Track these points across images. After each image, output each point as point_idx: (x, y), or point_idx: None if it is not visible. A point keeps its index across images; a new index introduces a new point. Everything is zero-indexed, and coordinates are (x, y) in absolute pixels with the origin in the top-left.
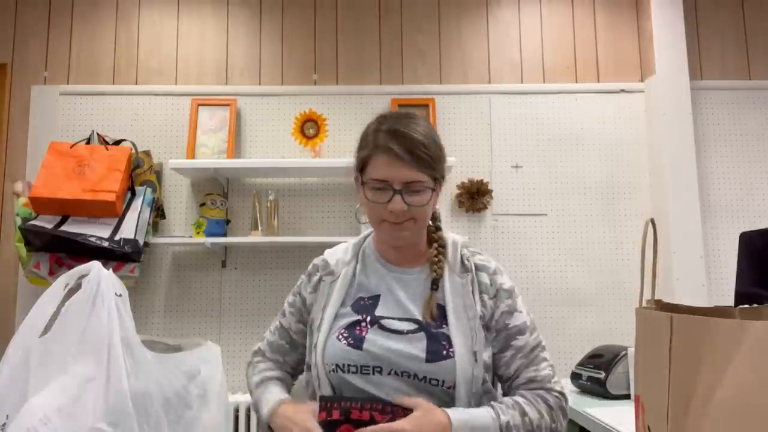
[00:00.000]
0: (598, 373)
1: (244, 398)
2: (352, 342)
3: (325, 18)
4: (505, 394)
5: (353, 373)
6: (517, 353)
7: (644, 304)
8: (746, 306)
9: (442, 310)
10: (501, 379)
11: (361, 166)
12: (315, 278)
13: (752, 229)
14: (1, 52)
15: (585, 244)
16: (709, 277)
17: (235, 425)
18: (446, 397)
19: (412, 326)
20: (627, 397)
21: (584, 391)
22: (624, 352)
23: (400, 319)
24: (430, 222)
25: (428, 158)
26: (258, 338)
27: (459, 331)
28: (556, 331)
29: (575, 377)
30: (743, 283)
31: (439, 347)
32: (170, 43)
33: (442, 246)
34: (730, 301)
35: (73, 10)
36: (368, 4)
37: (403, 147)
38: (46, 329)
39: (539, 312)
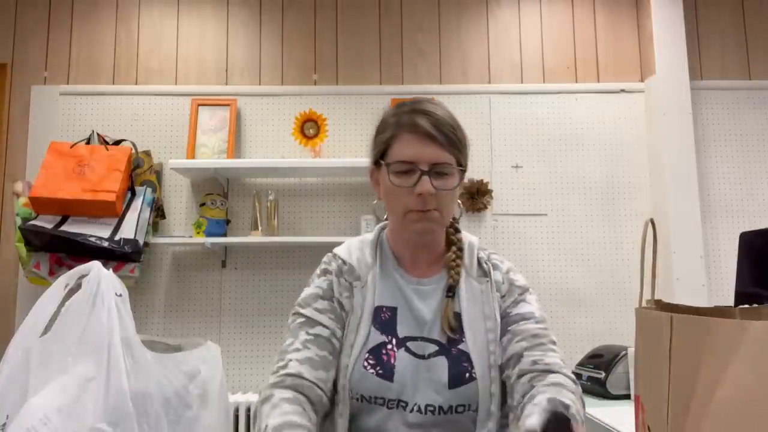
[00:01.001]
0: (598, 373)
1: (244, 398)
2: (381, 372)
3: (325, 18)
4: (504, 388)
5: (379, 405)
6: (514, 336)
7: (644, 304)
8: (746, 306)
9: (459, 318)
10: (500, 369)
11: (382, 152)
12: (345, 282)
13: (752, 229)
14: (1, 52)
15: (585, 244)
16: (709, 277)
17: (235, 425)
18: (469, 421)
19: (432, 348)
20: (627, 397)
21: (584, 391)
22: (624, 352)
23: (422, 339)
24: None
25: (455, 138)
26: (258, 338)
27: (477, 349)
28: (556, 331)
29: (575, 377)
30: (743, 283)
31: (460, 369)
32: (170, 43)
33: (461, 249)
34: (730, 301)
35: (73, 10)
36: (368, 3)
37: (430, 123)
38: (46, 329)
39: None
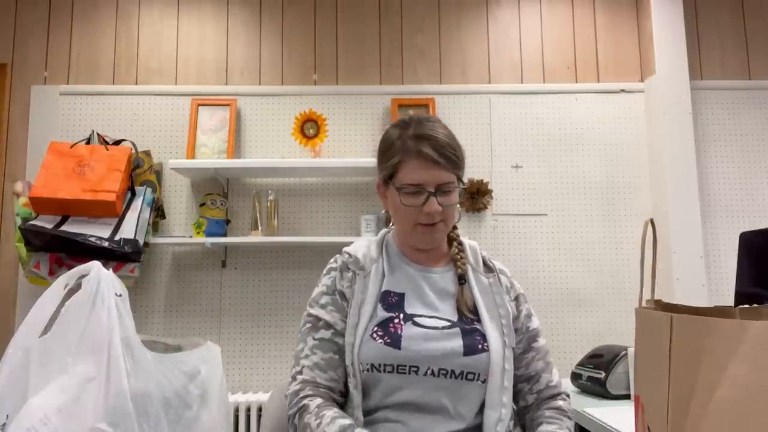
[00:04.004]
0: (598, 373)
1: (244, 398)
2: (389, 341)
3: (325, 18)
4: (518, 393)
5: (389, 372)
6: (536, 354)
7: (644, 304)
8: (746, 306)
9: (474, 306)
10: (519, 378)
11: (391, 174)
12: (348, 274)
13: (752, 229)
14: (1, 52)
15: (585, 244)
16: (709, 277)
17: (235, 425)
18: (478, 394)
19: (445, 323)
20: (627, 397)
21: (584, 391)
22: (624, 352)
23: (430, 317)
24: None
25: (456, 159)
26: (258, 338)
27: (492, 327)
28: (556, 331)
29: (575, 377)
30: (743, 283)
31: (474, 341)
32: (170, 43)
33: (461, 244)
34: (730, 301)
35: (73, 10)
36: (368, 4)
37: (433, 149)
38: (46, 329)
39: (539, 312)
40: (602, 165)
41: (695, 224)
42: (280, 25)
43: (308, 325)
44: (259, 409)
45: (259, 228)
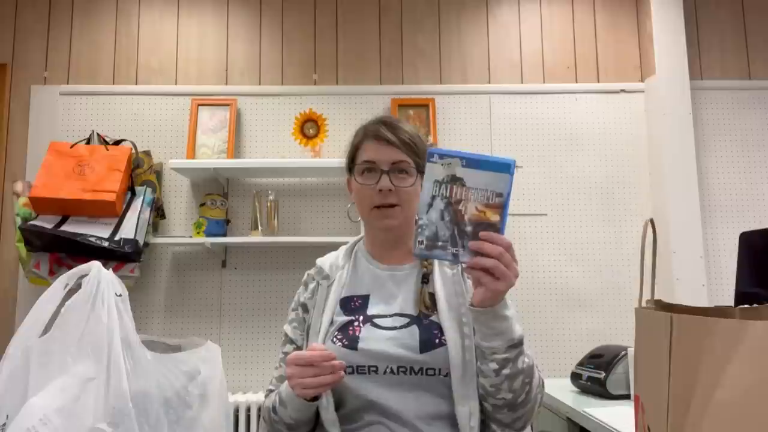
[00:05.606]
0: (598, 373)
1: (244, 398)
2: (346, 343)
3: (325, 18)
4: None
5: (349, 373)
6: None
7: (644, 304)
8: (746, 306)
9: (433, 298)
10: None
11: (352, 157)
12: (312, 285)
13: (752, 229)
14: (1, 52)
15: (585, 244)
16: (709, 277)
17: (235, 425)
18: (443, 387)
19: (403, 321)
20: (627, 397)
21: (584, 391)
22: (624, 352)
23: (391, 316)
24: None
25: (412, 143)
26: (258, 338)
27: (450, 319)
28: (556, 331)
29: (575, 377)
30: (743, 283)
31: (430, 336)
32: (170, 43)
33: None
34: (730, 301)
35: (73, 9)
36: (368, 3)
37: (389, 131)
38: (46, 329)
39: (539, 312)
40: (602, 165)
41: (695, 224)
42: (280, 25)
43: (282, 340)
44: (259, 409)
45: (259, 228)
